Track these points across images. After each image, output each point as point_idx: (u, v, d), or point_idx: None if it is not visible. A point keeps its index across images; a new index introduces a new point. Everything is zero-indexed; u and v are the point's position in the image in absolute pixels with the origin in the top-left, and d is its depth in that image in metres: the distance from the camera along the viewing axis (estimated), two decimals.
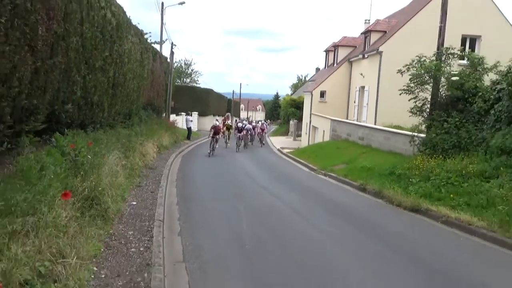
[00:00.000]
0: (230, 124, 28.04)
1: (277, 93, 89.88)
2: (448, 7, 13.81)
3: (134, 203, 8.74)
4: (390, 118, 20.24)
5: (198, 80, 63.20)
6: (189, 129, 28.94)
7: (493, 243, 7.40)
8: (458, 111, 12.76)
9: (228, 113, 52.50)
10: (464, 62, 15.61)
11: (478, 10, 23.02)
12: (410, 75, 13.75)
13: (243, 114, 75.70)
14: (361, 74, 27.71)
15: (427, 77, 13.52)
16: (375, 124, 22.20)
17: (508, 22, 24.24)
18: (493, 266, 6.47)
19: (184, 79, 60.69)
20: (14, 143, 6.40)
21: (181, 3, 27.90)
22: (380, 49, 24.18)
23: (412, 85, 13.78)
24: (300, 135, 39.10)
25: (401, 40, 23.22)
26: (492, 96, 12.04)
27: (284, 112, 52.52)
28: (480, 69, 13.39)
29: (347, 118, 28.61)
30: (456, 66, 14.32)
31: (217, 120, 31.85)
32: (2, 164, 6.20)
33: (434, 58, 13.62)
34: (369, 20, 34.18)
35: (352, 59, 30.88)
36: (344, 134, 23.17)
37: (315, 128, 31.33)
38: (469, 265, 6.43)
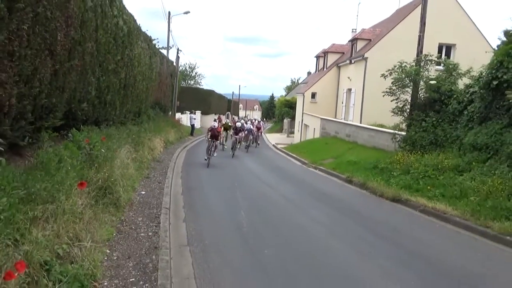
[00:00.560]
0: (228, 123, 23.81)
1: (272, 94, 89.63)
2: (426, 18, 13.80)
3: (143, 192, 8.73)
4: (374, 118, 20.25)
5: (201, 82, 62.85)
6: (192, 126, 28.92)
7: (465, 230, 7.43)
8: (435, 112, 12.78)
9: (228, 112, 52.41)
10: (441, 67, 15.60)
11: (453, 21, 23.02)
12: (392, 78, 13.74)
13: (241, 113, 75.60)
14: (349, 78, 27.69)
15: (408, 81, 13.52)
16: (360, 123, 22.21)
17: (480, 32, 24.26)
18: (465, 250, 6.50)
19: (189, 81, 60.38)
20: (35, 138, 6.37)
21: (186, 13, 27.72)
22: (366, 55, 24.15)
23: (394, 88, 13.78)
24: (293, 132, 39.08)
25: (384, 47, 23.19)
26: (465, 99, 12.07)
27: (279, 111, 52.50)
28: (455, 74, 13.41)
29: (335, 117, 28.60)
30: (433, 71, 14.34)
31: (215, 120, 31.16)
32: (24, 157, 6.17)
33: (414, 63, 13.62)
34: (355, 29, 34.14)
35: (340, 64, 30.84)
36: (332, 131, 23.17)
37: (306, 126, 31.32)
38: (444, 249, 6.46)
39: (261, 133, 28.20)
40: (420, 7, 14.46)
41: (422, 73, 13.42)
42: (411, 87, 13.60)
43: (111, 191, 6.77)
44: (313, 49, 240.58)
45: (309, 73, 52.43)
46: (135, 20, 13.35)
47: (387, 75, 13.94)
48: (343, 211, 8.68)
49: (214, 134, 15.00)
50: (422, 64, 13.61)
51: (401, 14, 25.88)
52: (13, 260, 3.33)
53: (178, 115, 31.43)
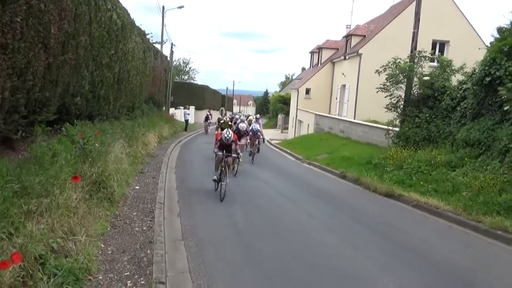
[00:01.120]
0: (227, 121, 16.18)
1: (266, 90, 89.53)
2: (420, 14, 13.86)
3: (138, 187, 8.72)
4: (368, 113, 20.34)
5: (195, 77, 62.72)
6: (186, 121, 28.88)
7: (457, 224, 7.53)
8: (428, 108, 12.87)
9: (222, 108, 52.28)
10: (434, 64, 15.70)
11: (447, 18, 23.13)
12: (386, 75, 13.80)
13: (235, 109, 75.45)
14: (343, 74, 27.76)
15: (402, 77, 13.59)
16: (354, 118, 22.30)
17: (473, 29, 24.42)
18: (457, 244, 6.58)
19: (183, 76, 60.19)
20: (28, 132, 6.32)
21: (180, 7, 27.55)
22: (360, 51, 24.22)
23: (388, 84, 13.84)
24: (287, 128, 39.13)
25: (378, 44, 23.26)
26: (458, 95, 12.18)
27: (273, 107, 52.48)
28: (448, 71, 13.50)
29: (329, 113, 28.68)
30: (427, 67, 14.42)
31: (209, 113, 30.49)
32: (17, 150, 6.13)
33: (408, 60, 13.68)
34: (350, 25, 34.18)
35: (334, 60, 30.90)
36: (326, 127, 23.25)
37: (300, 121, 31.38)
38: (436, 243, 6.54)
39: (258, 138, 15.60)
40: (414, 3, 14.51)
41: (416, 69, 13.49)
42: (404, 83, 13.67)
43: (105, 185, 6.76)
44: (308, 45, 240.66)
45: (303, 69, 52.41)
46: (128, 14, 13.23)
47: (381, 71, 13.99)
48: (337, 206, 8.74)
49: (226, 146, 9.18)
50: (416, 61, 13.68)
51: (395, 11, 25.95)
52: (8, 253, 3.33)
53: (172, 110, 31.30)
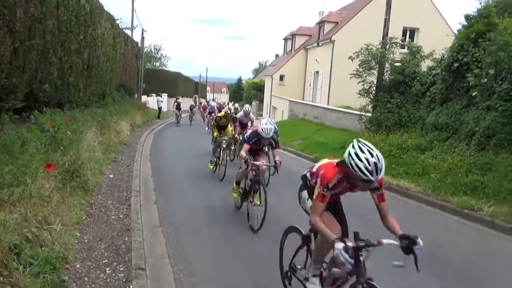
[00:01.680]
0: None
1: (240, 77, 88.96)
2: (392, 1, 14.11)
3: (112, 176, 8.58)
4: (342, 100, 20.68)
5: (167, 64, 61.61)
6: (159, 109, 28.42)
7: (427, 205, 7.87)
8: (399, 93, 13.22)
9: (196, 95, 51.69)
10: (405, 50, 16.08)
11: (417, 6, 23.66)
12: (359, 61, 14.04)
13: (209, 96, 74.76)
14: (316, 60, 27.99)
15: (374, 63, 13.87)
16: (328, 104, 22.61)
17: (442, 17, 25.09)
18: (427, 223, 6.90)
19: (154, 63, 58.99)
20: None
21: None
22: (333, 38, 24.46)
23: (360, 70, 14.09)
24: (261, 115, 39.21)
25: (351, 30, 23.55)
26: (428, 80, 12.56)
27: (247, 94, 52.33)
28: (418, 57, 13.87)
29: (303, 99, 28.94)
30: (398, 54, 14.76)
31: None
32: None
33: (379, 46, 13.95)
34: (323, 12, 34.37)
35: (308, 47, 31.06)
36: (300, 113, 23.47)
37: (275, 108, 31.53)
38: (407, 222, 6.78)
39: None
40: None
41: (387, 56, 13.79)
42: (377, 69, 13.97)
43: (79, 174, 6.62)
44: (281, 32, 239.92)
45: (277, 55, 52.41)
46: None
47: (354, 58, 14.21)
48: None
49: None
50: (387, 47, 13.97)
51: None
52: None
53: (144, 98, 30.72)
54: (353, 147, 2.85)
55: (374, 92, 14.11)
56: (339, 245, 2.69)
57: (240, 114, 11.31)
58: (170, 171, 10.25)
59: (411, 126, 12.06)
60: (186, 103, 35.05)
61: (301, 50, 32.28)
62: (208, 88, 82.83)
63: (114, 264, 4.37)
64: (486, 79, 9.28)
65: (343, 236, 3.27)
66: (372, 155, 2.72)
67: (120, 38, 18.37)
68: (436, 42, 14.66)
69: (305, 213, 3.61)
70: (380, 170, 2.72)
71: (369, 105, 14.38)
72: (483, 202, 7.15)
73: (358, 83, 14.29)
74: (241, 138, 8.80)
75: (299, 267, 3.67)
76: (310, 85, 29.98)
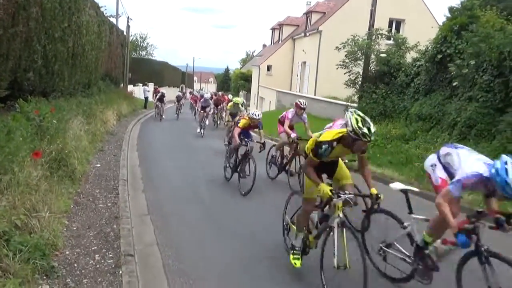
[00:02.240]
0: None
1: (227, 67, 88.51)
2: None
3: (99, 165, 8.57)
4: (328, 90, 20.86)
5: (153, 53, 60.77)
6: (146, 98, 28.16)
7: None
8: (384, 84, 13.43)
9: (183, 85, 51.30)
10: (391, 41, 16.29)
11: None
12: (345, 51, 14.17)
13: (196, 86, 74.30)
14: (303, 51, 28.06)
15: (360, 54, 14.02)
16: (315, 95, 22.78)
17: (428, 8, 25.36)
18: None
19: (140, 52, 58.14)
20: None
21: None
22: (320, 28, 24.52)
23: (347, 60, 14.24)
24: (249, 105, 39.22)
25: (338, 21, 23.65)
26: (412, 71, 12.78)
27: (234, 84, 52.22)
28: (404, 48, 14.08)
29: (290, 90, 29.05)
30: (384, 45, 14.95)
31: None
32: None
33: (366, 37, 14.10)
34: (310, 2, 34.35)
35: (295, 37, 31.08)
36: (288, 104, 23.56)
37: (262, 98, 31.58)
38: (392, 208, 7.02)
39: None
40: None
41: (373, 47, 13.95)
42: (363, 60, 14.13)
43: (66, 163, 6.61)
44: (269, 21, 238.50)
45: (264, 45, 52.22)
46: None
47: (340, 48, 14.34)
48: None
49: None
50: (373, 38, 14.13)
51: None
52: None
53: (130, 87, 30.36)
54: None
55: (360, 82, 14.29)
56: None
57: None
58: (158, 160, 10.27)
59: (395, 117, 12.29)
60: (173, 93, 34.68)
61: (288, 40, 32.28)
62: (195, 78, 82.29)
63: (103, 251, 4.43)
64: (467, 70, 9.52)
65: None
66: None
67: (105, 26, 18.07)
68: (422, 34, 14.87)
69: None
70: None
71: (355, 96, 14.58)
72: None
73: (345, 73, 14.45)
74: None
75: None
76: (297, 76, 30.08)
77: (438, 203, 3.54)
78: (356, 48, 13.91)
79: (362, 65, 14.22)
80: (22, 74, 7.87)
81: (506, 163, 3.17)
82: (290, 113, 8.46)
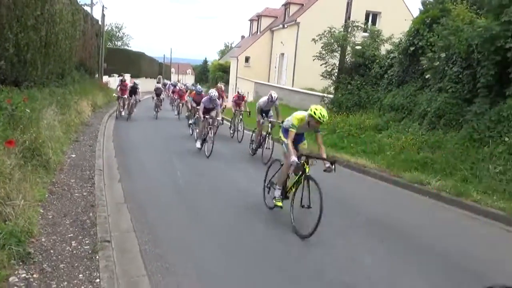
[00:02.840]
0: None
1: (205, 58, 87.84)
2: None
3: (74, 155, 8.51)
4: (306, 81, 21.11)
5: (129, 44, 59.54)
6: None
7: (381, 180, 8.41)
8: (359, 75, 13.75)
9: (160, 76, 50.60)
10: (366, 34, 16.61)
11: None
12: (322, 43, 14.40)
13: (174, 78, 73.37)
14: (281, 42, 28.18)
15: (336, 46, 14.28)
16: (292, 86, 22.99)
17: (403, 1, 25.86)
18: (380, 196, 7.42)
19: (116, 42, 56.87)
20: None
21: None
22: (298, 20, 24.69)
23: (323, 52, 14.48)
24: (227, 96, 39.15)
25: (316, 13, 23.85)
26: (386, 63, 13.12)
27: (213, 75, 51.92)
28: (378, 40, 14.42)
29: (268, 81, 29.19)
30: (360, 37, 15.25)
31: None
32: None
33: (342, 29, 14.34)
34: None
35: (273, 28, 31.14)
36: (266, 95, 23.72)
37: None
38: (363, 196, 7.33)
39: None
40: None
41: (349, 39, 14.22)
42: (339, 52, 14.39)
43: (40, 152, 6.55)
44: (247, 13, 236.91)
45: (242, 37, 52.08)
46: None
47: (317, 40, 14.55)
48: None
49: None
50: (349, 30, 14.40)
51: None
52: None
53: (105, 78, 29.82)
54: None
55: (336, 74, 14.56)
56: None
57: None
58: (134, 151, 10.25)
59: (369, 107, 12.63)
60: (151, 84, 34.18)
61: (266, 31, 32.32)
62: (173, 69, 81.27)
63: (80, 237, 4.48)
64: (438, 62, 9.88)
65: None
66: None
67: (80, 15, 17.70)
68: (397, 26, 15.21)
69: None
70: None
71: (331, 87, 14.85)
72: (432, 177, 7.74)
73: (321, 65, 14.69)
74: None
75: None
76: (275, 67, 30.23)
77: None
78: (332, 40, 14.16)
79: (338, 56, 14.48)
80: None
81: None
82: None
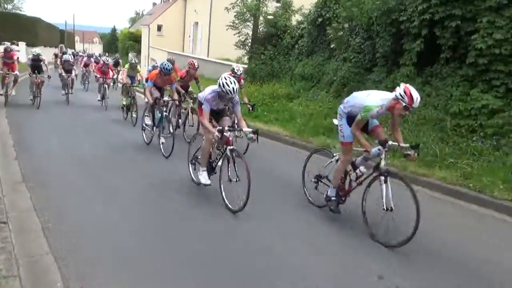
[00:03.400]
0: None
1: (114, 26, 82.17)
2: None
3: None
4: (221, 51, 20.98)
5: (22, 8, 53.08)
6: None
7: (292, 146, 8.88)
8: (272, 46, 14.04)
9: (62, 45, 46.29)
10: (279, 4, 16.87)
11: None
12: (235, 12, 14.33)
13: (78, 47, 67.65)
14: (195, 11, 27.45)
15: (249, 15, 14.32)
16: (207, 56, 22.71)
17: None
18: (291, 160, 7.84)
19: (5, 5, 50.30)
20: None
21: None
22: None
23: (236, 21, 14.44)
24: (140, 67, 37.35)
25: None
26: (297, 34, 13.57)
27: (122, 45, 48.98)
28: (289, 11, 14.76)
29: (183, 51, 28.42)
30: (272, 7, 15.45)
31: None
32: None
33: None
34: None
35: None
36: (180, 66, 23.11)
37: (153, 60, 30.31)
38: (275, 161, 7.69)
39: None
40: None
41: (262, 9, 14.34)
42: (252, 22, 14.47)
43: None
44: None
45: (154, 4, 49.58)
46: None
47: (230, 9, 14.43)
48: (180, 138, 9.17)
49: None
50: (261, 0, 14.49)
51: None
52: None
53: None
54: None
55: (249, 44, 14.67)
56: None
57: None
58: (32, 127, 9.41)
59: (282, 77, 13.05)
60: (49, 54, 31.08)
61: None
62: (77, 38, 74.67)
63: None
64: (342, 33, 10.48)
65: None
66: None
67: None
68: None
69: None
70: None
71: (245, 57, 14.98)
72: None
73: (234, 35, 14.67)
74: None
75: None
76: (189, 37, 29.49)
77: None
78: (245, 9, 14.15)
79: (251, 26, 14.57)
80: None
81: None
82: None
